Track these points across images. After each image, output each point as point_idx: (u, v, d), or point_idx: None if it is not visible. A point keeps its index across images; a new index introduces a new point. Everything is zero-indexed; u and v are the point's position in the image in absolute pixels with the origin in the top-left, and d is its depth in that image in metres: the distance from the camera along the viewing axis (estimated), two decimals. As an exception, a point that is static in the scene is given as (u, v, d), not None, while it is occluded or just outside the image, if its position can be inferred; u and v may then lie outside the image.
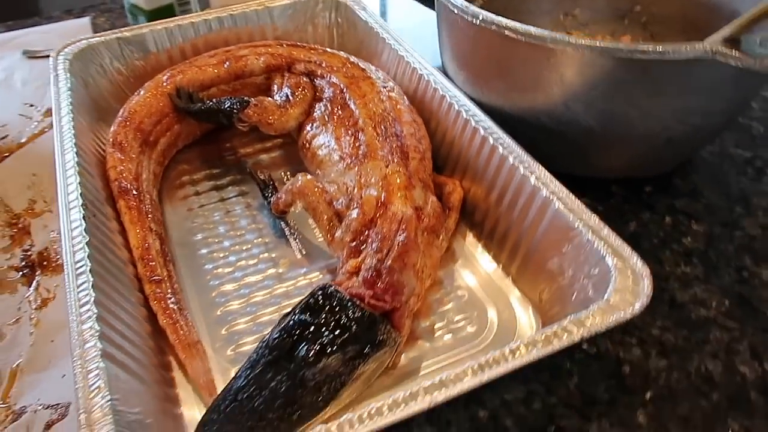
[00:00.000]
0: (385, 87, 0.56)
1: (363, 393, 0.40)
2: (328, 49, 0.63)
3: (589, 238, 0.40)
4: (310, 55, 0.61)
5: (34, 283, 0.49)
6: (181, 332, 0.43)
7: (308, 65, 0.60)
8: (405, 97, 0.56)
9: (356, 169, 0.48)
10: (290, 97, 0.57)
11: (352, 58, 0.61)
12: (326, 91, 0.57)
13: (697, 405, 0.40)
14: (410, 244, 0.42)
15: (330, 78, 0.58)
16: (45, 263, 0.50)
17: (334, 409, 0.38)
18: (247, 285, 0.48)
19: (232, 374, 0.40)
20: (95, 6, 0.94)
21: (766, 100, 0.68)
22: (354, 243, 0.44)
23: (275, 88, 0.60)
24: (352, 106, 0.53)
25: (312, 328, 0.38)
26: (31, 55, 0.79)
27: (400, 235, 0.43)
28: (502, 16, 0.47)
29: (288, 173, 0.59)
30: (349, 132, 0.52)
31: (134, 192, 0.50)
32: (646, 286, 0.37)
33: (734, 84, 0.46)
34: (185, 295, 0.47)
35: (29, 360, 0.43)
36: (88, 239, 0.41)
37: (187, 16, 0.67)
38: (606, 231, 0.41)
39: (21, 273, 0.49)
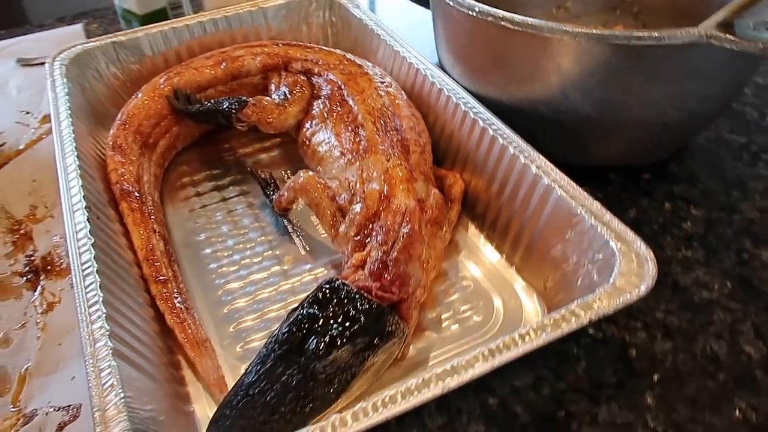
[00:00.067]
0: (382, 83, 0.56)
1: (373, 385, 0.40)
2: (324, 47, 0.63)
3: (592, 223, 0.41)
4: (307, 53, 0.61)
5: (39, 287, 0.48)
6: (189, 331, 0.43)
7: (305, 64, 0.60)
8: (403, 92, 0.57)
9: (357, 164, 0.49)
10: (288, 96, 0.57)
11: (349, 55, 0.61)
12: (324, 88, 0.57)
13: (704, 385, 0.41)
14: (415, 236, 0.43)
15: (327, 75, 0.58)
16: (49, 268, 0.50)
17: (345, 401, 0.38)
18: (253, 282, 0.48)
19: (242, 371, 0.41)
20: (87, 13, 0.94)
21: (758, 86, 0.69)
22: (358, 237, 0.45)
23: (272, 87, 0.61)
24: (351, 103, 0.54)
25: (321, 322, 0.38)
26: (25, 63, 0.79)
27: (404, 227, 0.43)
28: (496, 8, 0.47)
29: (288, 172, 0.59)
30: (349, 128, 0.52)
31: (136, 194, 0.51)
32: (651, 268, 0.38)
33: (728, 68, 0.47)
34: (191, 294, 0.47)
35: (38, 363, 0.43)
36: (93, 240, 0.41)
37: (182, 18, 0.67)
38: (608, 216, 0.41)
39: (25, 278, 0.49)
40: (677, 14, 0.63)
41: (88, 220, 0.43)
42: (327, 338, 0.37)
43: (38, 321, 0.46)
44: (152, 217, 0.50)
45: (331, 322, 0.38)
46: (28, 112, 0.69)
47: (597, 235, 0.40)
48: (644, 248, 0.39)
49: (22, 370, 0.43)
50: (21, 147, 0.63)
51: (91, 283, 0.38)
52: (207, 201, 0.56)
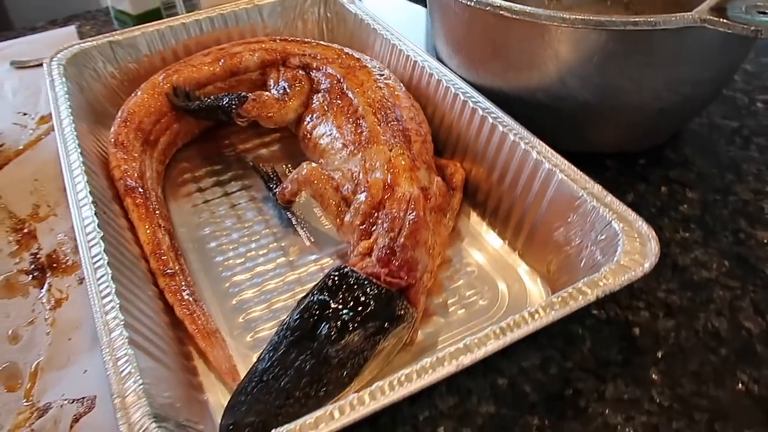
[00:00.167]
0: (381, 75, 0.57)
1: (384, 369, 0.41)
2: (322, 42, 0.64)
3: (594, 205, 0.42)
4: (305, 48, 0.62)
5: (46, 284, 0.49)
6: (200, 322, 0.43)
7: (303, 58, 0.61)
8: (401, 84, 0.57)
9: (360, 155, 0.49)
10: (288, 90, 0.58)
11: (347, 50, 0.61)
12: (323, 82, 0.58)
13: (707, 360, 0.42)
14: (420, 222, 0.43)
15: (326, 69, 0.59)
16: (55, 265, 0.50)
17: (357, 385, 0.38)
18: (259, 274, 0.49)
19: (253, 359, 0.41)
20: (79, 15, 0.94)
21: (747, 72, 0.70)
22: (364, 225, 0.45)
23: (271, 82, 0.61)
24: (351, 95, 0.54)
25: (332, 308, 0.39)
26: (19, 65, 0.79)
27: (409, 214, 0.44)
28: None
29: (289, 166, 0.60)
30: (350, 120, 0.53)
31: (140, 190, 0.51)
32: (653, 246, 0.38)
33: (721, 53, 0.48)
34: (198, 287, 0.48)
35: (48, 358, 0.43)
36: (102, 234, 0.42)
37: (178, 17, 0.68)
38: (609, 198, 0.42)
39: (31, 276, 0.49)
40: (668, 5, 0.64)
41: (95, 214, 0.43)
42: (339, 323, 0.38)
43: (47, 317, 0.46)
44: (157, 212, 0.50)
45: (342, 307, 0.39)
46: (25, 114, 0.69)
47: (599, 217, 0.41)
48: (646, 227, 0.40)
49: (34, 365, 0.43)
50: (20, 147, 0.63)
51: (103, 275, 0.39)
52: (209, 196, 0.57)
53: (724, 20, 0.41)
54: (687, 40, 0.45)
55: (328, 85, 0.57)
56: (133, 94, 0.59)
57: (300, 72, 0.60)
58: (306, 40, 0.64)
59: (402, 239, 0.42)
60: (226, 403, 0.37)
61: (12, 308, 0.47)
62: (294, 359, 0.37)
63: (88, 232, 0.42)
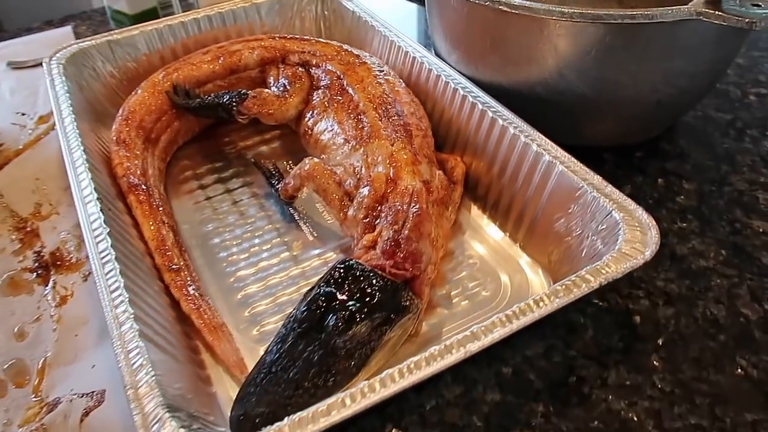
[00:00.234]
0: (381, 71, 0.57)
1: (390, 360, 0.41)
2: (321, 39, 0.64)
3: (594, 195, 0.42)
4: (304, 45, 0.62)
5: (51, 282, 0.49)
6: (206, 316, 0.44)
7: (302, 56, 0.61)
8: (401, 80, 0.58)
9: (362, 149, 0.50)
10: (288, 87, 0.58)
11: (346, 46, 0.62)
12: (323, 79, 0.58)
13: (706, 346, 0.42)
14: (423, 215, 0.44)
15: (326, 66, 0.59)
16: (59, 263, 0.50)
17: (365, 376, 0.39)
18: (263, 269, 0.49)
19: (260, 352, 0.42)
20: (74, 15, 0.94)
21: (740, 66, 0.72)
22: (367, 219, 0.46)
23: (271, 80, 0.61)
24: (351, 92, 0.55)
25: (338, 299, 0.39)
26: (15, 66, 0.79)
27: (413, 206, 0.44)
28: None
29: (290, 163, 0.60)
30: (351, 116, 0.53)
31: (143, 187, 0.51)
32: (654, 235, 0.39)
33: (716, 45, 0.49)
34: (203, 282, 0.48)
35: (56, 354, 0.43)
36: (108, 230, 0.42)
37: (177, 16, 0.68)
38: (609, 188, 0.43)
39: (35, 274, 0.50)
40: (660, 0, 0.65)
41: (101, 210, 0.43)
42: (346, 314, 0.38)
43: (52, 314, 0.46)
44: (160, 208, 0.50)
45: (349, 299, 0.39)
46: (23, 114, 0.69)
47: (600, 207, 0.42)
48: (646, 217, 0.41)
49: (41, 362, 0.43)
50: (20, 147, 0.63)
51: (111, 270, 0.39)
52: (211, 193, 0.57)
53: (719, 13, 0.42)
54: (683, 33, 0.45)
55: (328, 82, 0.58)
56: (133, 93, 0.59)
57: (300, 69, 0.60)
58: (305, 37, 0.64)
59: (406, 231, 0.43)
60: (234, 396, 0.38)
61: (17, 306, 0.47)
62: (302, 350, 0.38)
63: (94, 228, 0.42)
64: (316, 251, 0.51)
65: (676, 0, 0.45)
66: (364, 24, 0.67)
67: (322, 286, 0.40)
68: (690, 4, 0.43)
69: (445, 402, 0.40)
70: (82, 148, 0.49)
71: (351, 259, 0.42)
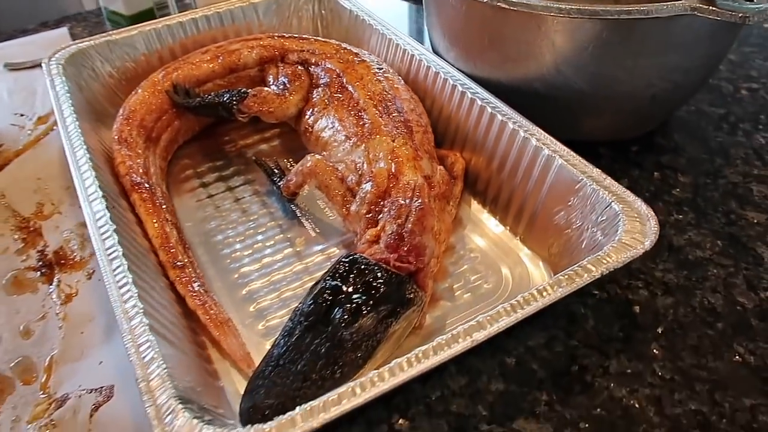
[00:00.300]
0: (380, 69, 0.58)
1: (394, 353, 0.42)
2: (319, 38, 0.65)
3: (594, 188, 0.43)
4: (302, 44, 0.63)
5: (55, 280, 0.49)
6: (212, 312, 0.44)
7: (301, 54, 0.62)
8: (400, 77, 0.58)
9: (363, 146, 0.50)
10: (288, 86, 0.59)
11: (344, 45, 0.63)
12: (323, 77, 0.59)
13: (704, 334, 0.43)
14: (426, 209, 0.44)
15: (325, 64, 0.59)
16: (62, 262, 0.51)
17: (371, 367, 0.39)
18: (267, 265, 0.50)
19: (266, 347, 0.42)
20: (70, 17, 0.94)
21: (731, 62, 0.73)
22: (370, 214, 0.46)
23: (270, 79, 0.62)
24: (351, 89, 0.55)
25: (344, 293, 0.40)
26: (12, 67, 0.79)
27: (415, 201, 0.45)
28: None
29: (290, 160, 0.61)
30: (352, 113, 0.54)
31: (146, 185, 0.51)
32: (653, 225, 0.40)
33: (710, 40, 0.50)
34: (207, 279, 0.48)
35: (62, 352, 0.44)
36: (115, 227, 0.42)
37: (175, 16, 0.68)
38: (608, 181, 0.44)
39: (39, 272, 0.50)
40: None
41: (107, 208, 0.44)
42: (352, 307, 0.39)
43: (58, 312, 0.47)
44: (163, 206, 0.51)
45: (355, 292, 0.40)
46: (22, 115, 0.69)
47: (599, 199, 0.43)
48: (645, 207, 0.41)
49: (48, 359, 0.43)
50: (20, 148, 0.63)
51: (119, 266, 0.39)
52: (213, 191, 0.57)
53: (713, 8, 0.43)
54: (678, 28, 0.46)
55: (328, 80, 0.58)
56: (133, 92, 0.60)
57: (299, 68, 0.61)
58: (303, 36, 0.65)
59: (410, 225, 0.43)
60: (241, 389, 0.38)
61: (22, 304, 0.47)
62: (309, 343, 0.38)
63: (100, 225, 0.42)
64: (319, 247, 0.51)
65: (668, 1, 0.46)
66: (361, 23, 0.68)
67: (328, 279, 0.41)
68: (684, -1, 0.44)
69: (451, 392, 0.40)
70: (85, 146, 0.50)
71: (355, 253, 0.42)
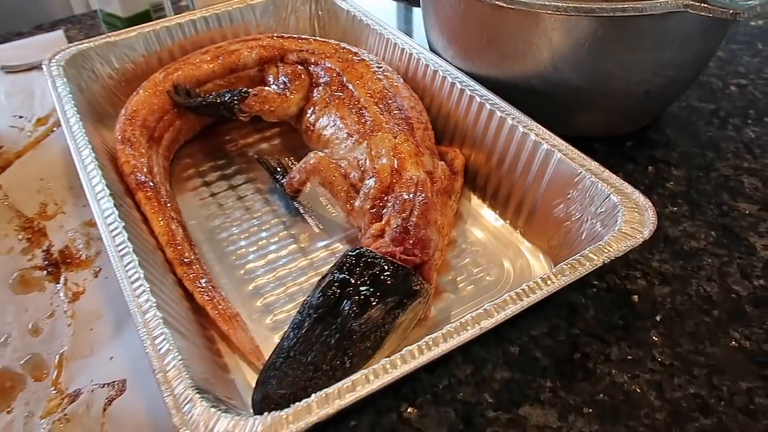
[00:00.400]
0: (379, 68, 0.59)
1: (401, 344, 0.43)
2: (318, 38, 0.65)
3: (592, 180, 0.45)
4: (302, 44, 0.64)
5: (62, 279, 0.49)
6: (220, 307, 0.45)
7: (301, 54, 0.62)
8: (399, 76, 0.59)
9: (365, 143, 0.51)
10: (289, 85, 0.59)
11: (343, 44, 0.63)
12: (323, 76, 0.60)
13: (701, 321, 0.45)
14: (429, 203, 0.45)
15: (325, 64, 0.60)
16: (68, 260, 0.51)
17: (379, 358, 0.40)
18: (272, 261, 0.50)
19: (275, 340, 0.43)
20: (64, 20, 0.94)
21: (720, 59, 0.74)
22: (374, 209, 0.47)
23: (271, 78, 0.63)
24: (351, 88, 0.56)
25: (352, 285, 0.40)
26: (9, 70, 0.79)
27: (419, 195, 0.46)
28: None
29: (291, 159, 0.61)
30: (353, 111, 0.54)
31: (150, 184, 0.52)
32: (651, 215, 0.41)
33: (701, 36, 0.51)
34: (214, 275, 0.49)
35: (72, 348, 0.44)
36: (124, 224, 0.43)
37: (174, 17, 0.69)
38: (606, 173, 0.45)
39: (45, 271, 0.50)
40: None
41: (115, 205, 0.44)
42: (361, 299, 0.39)
43: (66, 310, 0.47)
44: (168, 204, 0.51)
45: (363, 284, 0.40)
46: (21, 117, 0.69)
47: (598, 191, 0.44)
48: (642, 199, 0.43)
49: (58, 356, 0.44)
50: (20, 149, 0.64)
51: (130, 262, 0.40)
52: (216, 189, 0.58)
53: (705, 5, 0.44)
54: (671, 24, 0.48)
55: (328, 79, 0.59)
56: (135, 93, 0.60)
57: (299, 67, 0.61)
58: (302, 36, 0.66)
59: (414, 219, 0.44)
60: (251, 382, 0.39)
61: (30, 303, 0.48)
62: (319, 335, 0.39)
63: (109, 222, 0.43)
64: (323, 243, 0.52)
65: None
66: (358, 23, 0.69)
67: (336, 273, 0.42)
68: (677, -3, 0.46)
69: (457, 381, 0.41)
70: (90, 146, 0.50)
71: (362, 247, 0.43)
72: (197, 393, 0.32)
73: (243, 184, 0.59)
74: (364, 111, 0.54)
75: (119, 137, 0.55)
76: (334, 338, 0.39)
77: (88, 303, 0.48)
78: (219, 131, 0.65)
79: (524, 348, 0.43)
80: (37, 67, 0.78)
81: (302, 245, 0.52)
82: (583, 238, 0.45)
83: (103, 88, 0.65)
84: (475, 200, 0.55)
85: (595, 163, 0.46)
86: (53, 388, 0.42)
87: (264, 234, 0.53)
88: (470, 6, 0.52)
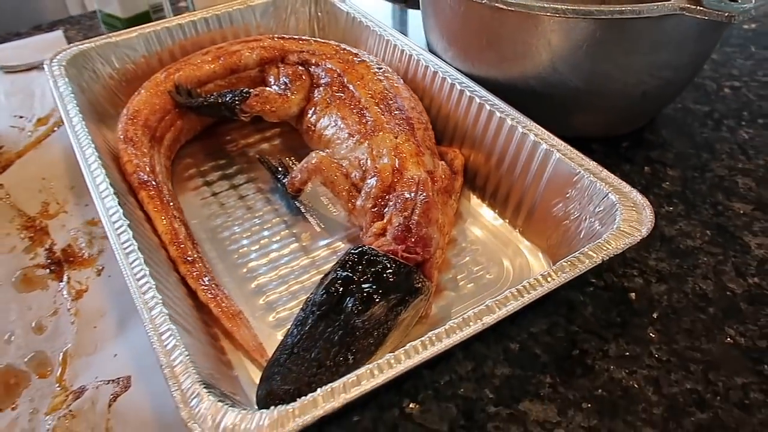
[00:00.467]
0: (380, 69, 0.60)
1: (403, 341, 0.43)
2: (319, 39, 0.66)
3: (591, 180, 0.45)
4: (302, 45, 0.64)
5: (65, 277, 0.50)
6: (223, 305, 0.45)
7: (301, 55, 0.63)
8: (399, 77, 0.60)
9: (366, 143, 0.52)
10: (290, 85, 0.60)
11: (343, 45, 0.64)
12: (323, 77, 0.60)
13: (697, 318, 0.46)
14: (431, 202, 0.46)
15: (325, 65, 0.61)
16: (71, 259, 0.51)
17: (381, 354, 0.41)
18: (274, 259, 0.51)
19: (278, 337, 0.43)
20: (63, 20, 0.94)
21: (714, 61, 0.76)
22: (376, 208, 0.48)
23: (271, 79, 0.63)
24: (352, 88, 0.57)
25: (355, 283, 0.41)
26: (8, 70, 0.79)
27: (420, 195, 0.46)
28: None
29: (292, 158, 0.62)
30: (354, 111, 0.55)
31: (153, 183, 0.52)
32: (648, 214, 0.42)
33: (696, 39, 0.52)
34: (216, 274, 0.49)
35: (76, 346, 0.44)
36: (129, 222, 0.43)
37: (174, 18, 0.69)
38: (605, 173, 0.46)
39: (49, 270, 0.50)
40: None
41: (119, 204, 0.45)
42: (364, 296, 0.40)
43: (69, 308, 0.47)
44: (171, 204, 0.52)
45: (365, 282, 0.41)
46: (21, 116, 0.70)
47: (596, 190, 0.45)
48: (640, 198, 0.43)
49: (62, 353, 0.44)
50: (21, 149, 0.64)
51: (135, 259, 0.40)
52: (217, 189, 0.58)
53: (701, 8, 0.45)
54: (667, 27, 0.49)
55: (329, 80, 0.59)
56: (136, 93, 0.61)
57: (300, 68, 0.62)
58: (303, 37, 0.66)
59: (416, 218, 0.45)
60: (255, 379, 0.40)
61: (33, 301, 0.48)
62: (323, 331, 0.39)
63: (114, 220, 0.43)
64: (324, 241, 0.52)
65: (653, 3, 0.48)
66: (358, 24, 0.69)
67: (339, 270, 0.42)
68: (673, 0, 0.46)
69: (458, 377, 0.42)
70: (93, 145, 0.50)
71: (364, 245, 0.44)
72: (204, 388, 0.33)
73: (244, 184, 0.59)
74: (365, 111, 0.54)
75: (121, 137, 0.56)
76: (337, 335, 0.39)
77: (91, 301, 0.48)
78: (220, 131, 0.66)
79: (524, 345, 0.44)
80: (36, 67, 0.78)
81: (304, 244, 0.52)
82: (581, 236, 0.46)
83: (104, 88, 0.65)
84: (475, 200, 0.56)
85: (594, 162, 0.47)
86: (58, 385, 0.42)
87: (266, 233, 0.53)
88: (470, 8, 0.53)
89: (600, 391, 0.41)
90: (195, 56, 0.65)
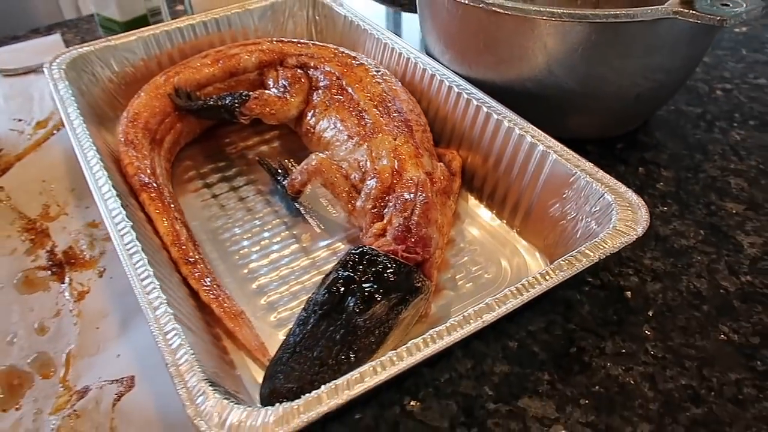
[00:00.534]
0: (378, 72, 0.60)
1: (403, 340, 0.44)
2: (317, 42, 0.67)
3: (587, 180, 0.46)
4: (301, 48, 0.65)
5: (67, 279, 0.50)
6: (225, 305, 0.46)
7: (300, 58, 0.64)
8: (397, 80, 0.61)
9: (366, 145, 0.52)
10: (289, 88, 0.61)
11: (341, 49, 0.65)
12: (322, 80, 0.61)
13: (691, 316, 0.46)
14: (430, 203, 0.47)
15: (324, 68, 0.62)
16: (73, 261, 0.52)
17: (382, 353, 0.41)
18: (275, 260, 0.51)
19: (280, 337, 0.44)
20: (60, 24, 0.95)
21: (706, 64, 0.77)
22: (375, 209, 0.48)
23: (270, 82, 0.64)
24: (351, 91, 0.58)
25: (357, 282, 0.42)
26: (6, 73, 0.79)
27: (419, 195, 0.47)
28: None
29: (291, 160, 0.63)
30: (353, 113, 0.56)
31: (154, 185, 0.53)
32: (644, 213, 0.43)
33: (689, 42, 0.53)
34: (218, 275, 0.50)
35: (79, 346, 0.45)
36: (132, 223, 0.44)
37: (173, 21, 0.70)
38: (600, 173, 0.47)
39: (50, 271, 0.51)
40: (634, 3, 0.69)
41: (122, 205, 0.45)
42: (365, 295, 0.41)
43: (71, 309, 0.48)
44: (172, 205, 0.52)
45: (366, 281, 0.41)
46: (20, 120, 0.70)
47: (593, 191, 0.46)
48: (636, 198, 0.44)
49: (65, 354, 0.44)
50: (20, 152, 0.64)
51: (139, 260, 0.41)
52: (217, 191, 0.59)
53: (693, 11, 0.46)
54: (661, 30, 0.50)
55: (327, 83, 0.60)
56: (136, 96, 0.61)
57: (298, 71, 0.63)
58: (302, 40, 0.67)
59: (415, 218, 0.45)
60: (257, 378, 0.40)
61: (35, 302, 0.48)
62: (324, 330, 0.40)
63: (117, 222, 0.44)
64: (324, 242, 0.53)
65: (647, 4, 0.49)
66: (356, 28, 0.70)
67: (340, 270, 0.43)
68: (667, 3, 0.48)
69: (458, 375, 0.43)
70: (95, 147, 0.51)
71: (364, 246, 0.44)
72: (209, 386, 0.33)
73: (244, 186, 0.60)
74: (363, 114, 0.55)
75: (122, 139, 0.56)
76: (339, 333, 0.40)
77: (93, 302, 0.48)
78: (219, 134, 0.66)
79: (522, 343, 0.45)
80: (35, 70, 0.78)
81: (304, 245, 0.53)
82: (578, 236, 0.47)
83: (104, 91, 0.66)
84: (473, 200, 0.57)
85: (590, 163, 0.47)
86: (61, 385, 0.42)
87: (266, 234, 0.54)
88: (467, 12, 0.54)
89: (597, 387, 0.42)
90: (194, 59, 0.65)
